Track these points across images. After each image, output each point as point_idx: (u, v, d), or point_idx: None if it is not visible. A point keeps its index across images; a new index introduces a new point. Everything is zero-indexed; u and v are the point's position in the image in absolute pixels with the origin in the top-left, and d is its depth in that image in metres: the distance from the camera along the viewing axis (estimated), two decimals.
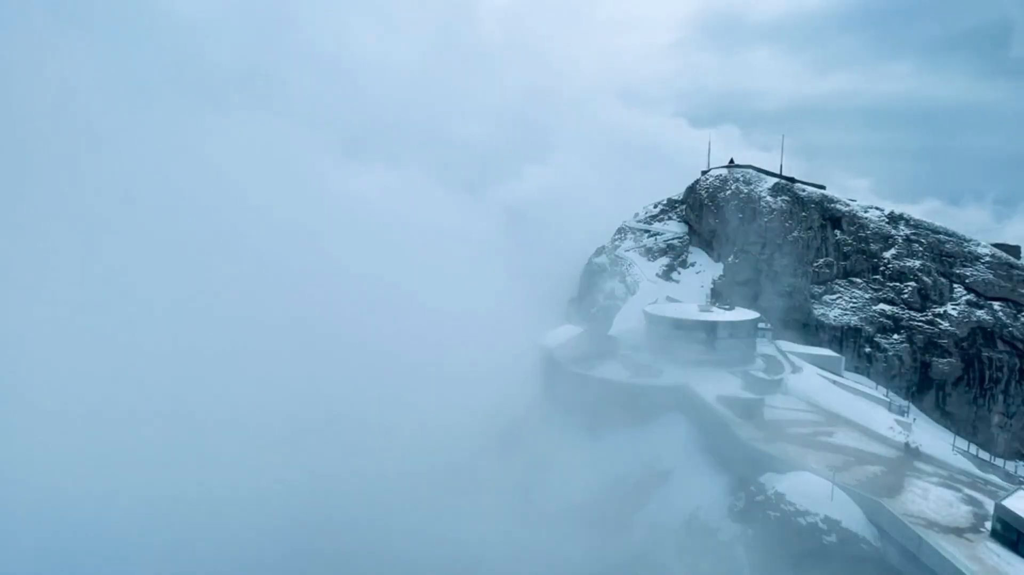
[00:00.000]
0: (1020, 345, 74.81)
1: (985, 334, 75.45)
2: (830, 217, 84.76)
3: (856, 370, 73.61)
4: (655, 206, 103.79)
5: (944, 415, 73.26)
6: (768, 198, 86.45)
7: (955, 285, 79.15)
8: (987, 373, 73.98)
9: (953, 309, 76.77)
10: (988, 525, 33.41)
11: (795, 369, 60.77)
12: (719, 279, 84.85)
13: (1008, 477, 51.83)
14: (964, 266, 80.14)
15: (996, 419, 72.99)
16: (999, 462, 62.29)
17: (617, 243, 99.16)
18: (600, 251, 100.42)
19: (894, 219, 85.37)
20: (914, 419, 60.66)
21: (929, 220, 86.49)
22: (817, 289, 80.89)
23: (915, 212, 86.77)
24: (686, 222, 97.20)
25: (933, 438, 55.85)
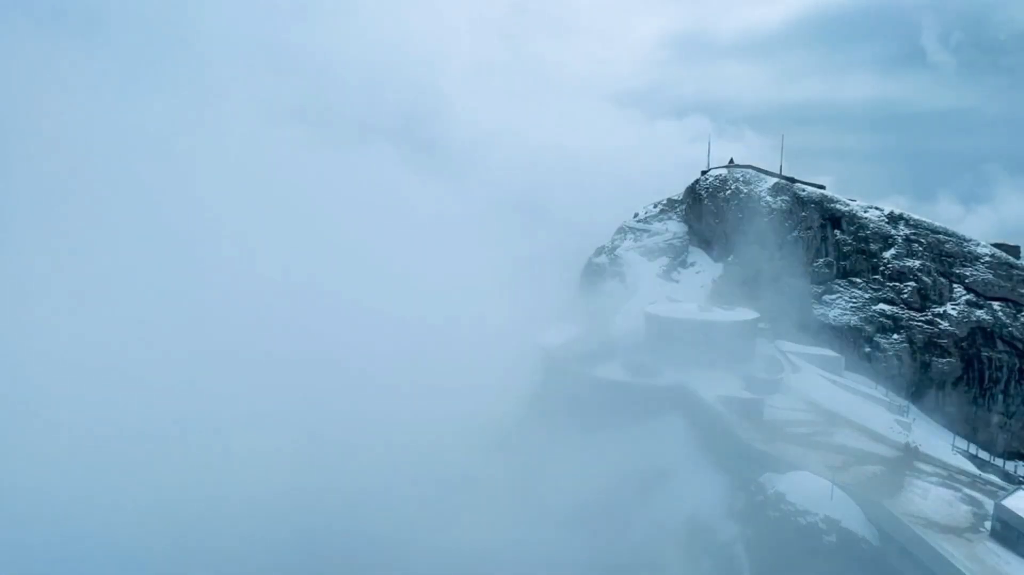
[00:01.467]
0: (1020, 345, 74.81)
1: (985, 334, 75.44)
2: (830, 217, 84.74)
3: (856, 370, 73.58)
4: (655, 206, 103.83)
5: (944, 415, 73.21)
6: (768, 198, 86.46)
7: (955, 285, 79.13)
8: (987, 373, 73.98)
9: (953, 309, 76.76)
10: (988, 525, 33.41)
11: (795, 369, 60.81)
12: (719, 279, 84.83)
13: (1008, 477, 51.91)
14: (964, 266, 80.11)
15: (996, 419, 72.98)
16: (999, 462, 62.39)
17: (617, 243, 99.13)
18: (600, 251, 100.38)
19: (894, 219, 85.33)
20: (914, 419, 60.72)
21: (928, 220, 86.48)
22: (817, 289, 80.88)
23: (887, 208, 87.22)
24: (686, 222, 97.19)
25: (933, 438, 55.95)
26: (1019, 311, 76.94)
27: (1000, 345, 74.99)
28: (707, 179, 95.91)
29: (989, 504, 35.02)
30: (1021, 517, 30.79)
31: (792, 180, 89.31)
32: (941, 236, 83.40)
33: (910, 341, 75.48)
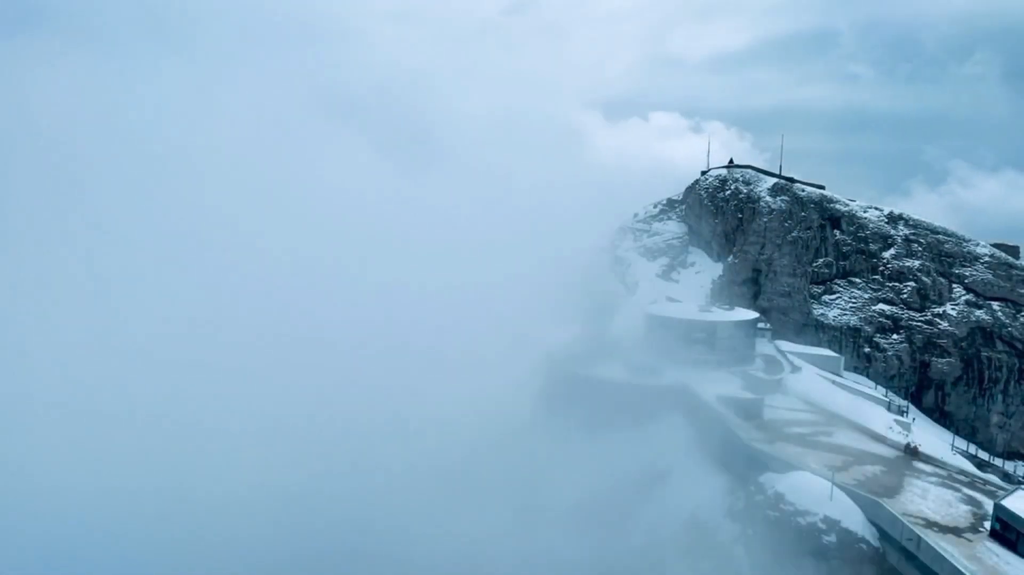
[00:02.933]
0: (1019, 345, 74.91)
1: (984, 334, 75.54)
2: (829, 217, 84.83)
3: (856, 370, 73.67)
4: (655, 206, 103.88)
5: (943, 415, 73.35)
6: (767, 198, 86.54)
7: (954, 285, 79.24)
8: (986, 373, 74.07)
9: (952, 309, 76.85)
10: (987, 525, 33.45)
11: (795, 369, 60.80)
12: (719, 279, 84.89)
13: (1007, 477, 52.02)
14: (963, 266, 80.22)
15: (995, 419, 73.09)
16: (998, 462, 62.51)
17: (617, 243, 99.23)
18: (600, 251, 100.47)
19: (893, 219, 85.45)
20: (913, 419, 60.75)
21: (928, 220, 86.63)
22: (817, 289, 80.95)
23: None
24: (686, 222, 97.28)
25: (933, 438, 55.95)
26: (1019, 311, 77.05)
27: (1000, 345, 75.10)
28: (707, 179, 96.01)
29: (989, 504, 35.05)
30: (1021, 517, 30.85)
31: (792, 180, 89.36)
32: (941, 236, 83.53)
33: (910, 341, 75.58)
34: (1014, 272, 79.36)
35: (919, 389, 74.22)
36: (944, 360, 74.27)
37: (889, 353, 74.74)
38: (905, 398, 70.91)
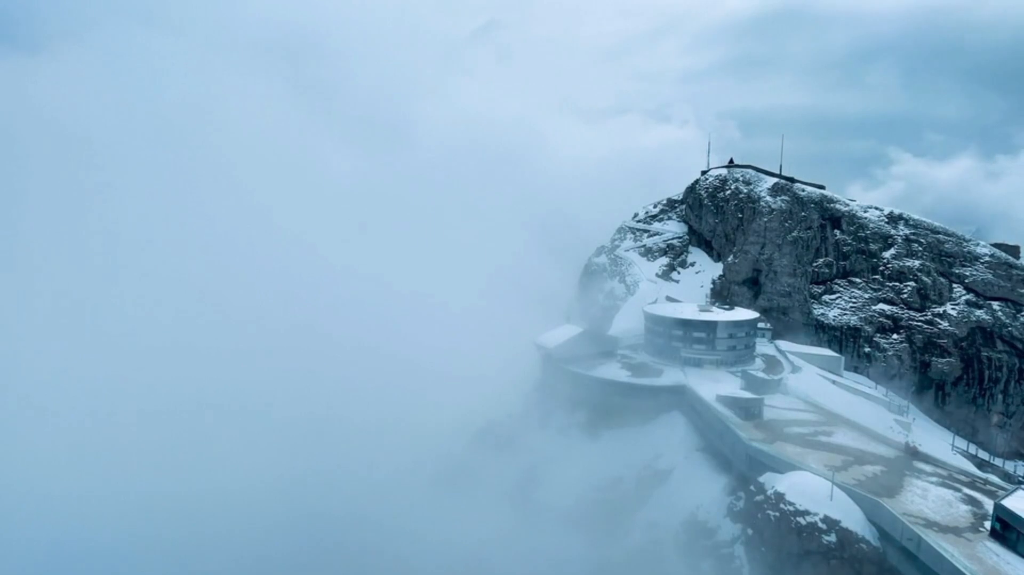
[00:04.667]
0: (1019, 345, 74.85)
1: (984, 334, 75.48)
2: (830, 217, 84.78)
3: (856, 370, 73.62)
4: (655, 206, 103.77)
5: (943, 415, 73.27)
6: (768, 198, 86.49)
7: (954, 285, 79.19)
8: (986, 373, 74.01)
9: (952, 309, 76.80)
10: (987, 524, 33.44)
11: (795, 369, 60.81)
12: (719, 279, 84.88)
13: (1007, 477, 51.98)
14: (963, 266, 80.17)
15: (995, 419, 73.03)
16: (998, 462, 62.51)
17: (617, 243, 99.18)
18: (600, 251, 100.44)
19: (894, 219, 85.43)
20: (913, 419, 60.76)
21: (929, 220, 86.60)
22: (817, 289, 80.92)
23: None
24: (686, 222, 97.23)
25: (933, 438, 55.99)
26: (1019, 311, 77.00)
27: (1000, 345, 75.05)
28: (707, 179, 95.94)
29: (989, 504, 35.07)
30: (1020, 517, 30.85)
31: (792, 180, 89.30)
32: (941, 236, 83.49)
33: (910, 341, 75.54)
34: (1014, 272, 79.32)
35: (919, 389, 74.16)
36: (944, 360, 74.23)
37: (889, 353, 74.70)
38: (905, 398, 70.88)
